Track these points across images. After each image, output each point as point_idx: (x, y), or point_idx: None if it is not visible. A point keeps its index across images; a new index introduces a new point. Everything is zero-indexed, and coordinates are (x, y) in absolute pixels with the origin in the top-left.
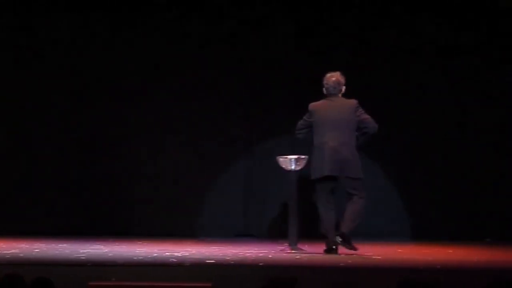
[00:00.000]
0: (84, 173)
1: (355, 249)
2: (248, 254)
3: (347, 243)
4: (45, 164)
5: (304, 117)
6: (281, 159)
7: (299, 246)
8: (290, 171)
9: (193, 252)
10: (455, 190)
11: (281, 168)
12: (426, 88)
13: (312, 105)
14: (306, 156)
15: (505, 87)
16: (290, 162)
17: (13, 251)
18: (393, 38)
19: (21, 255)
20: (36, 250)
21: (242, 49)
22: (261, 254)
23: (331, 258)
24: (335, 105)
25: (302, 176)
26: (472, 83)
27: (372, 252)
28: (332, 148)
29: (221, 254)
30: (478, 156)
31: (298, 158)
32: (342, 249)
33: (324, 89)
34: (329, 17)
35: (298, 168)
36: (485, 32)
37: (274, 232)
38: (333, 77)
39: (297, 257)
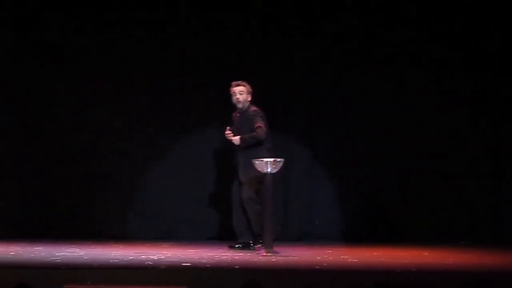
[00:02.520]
0: (57, 176)
1: None
2: (224, 257)
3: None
4: (12, 169)
5: (263, 122)
6: (256, 162)
7: (275, 248)
8: (266, 174)
9: (169, 255)
10: (430, 194)
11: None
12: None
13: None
14: (282, 159)
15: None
16: (265, 165)
17: None
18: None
19: None
20: (12, 253)
21: (202, 41)
22: (237, 257)
23: (306, 260)
24: None
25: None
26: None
27: (349, 255)
28: None
29: (197, 257)
30: (456, 158)
31: (274, 161)
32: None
33: (250, 96)
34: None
35: (274, 171)
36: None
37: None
38: None
39: (273, 259)
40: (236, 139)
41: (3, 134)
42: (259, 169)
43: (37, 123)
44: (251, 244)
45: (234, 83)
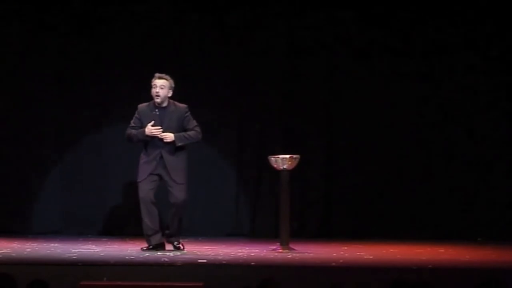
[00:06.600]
0: (74, 173)
1: None
2: (239, 254)
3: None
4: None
5: None
6: (272, 158)
7: (291, 245)
8: (282, 170)
9: (185, 251)
10: (449, 189)
11: (273, 167)
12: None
13: None
14: (298, 156)
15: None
16: (281, 161)
17: (4, 250)
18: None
19: (13, 254)
20: (28, 250)
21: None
22: (252, 254)
23: (322, 257)
24: None
25: (293, 175)
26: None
27: (364, 252)
28: None
29: (212, 254)
30: (472, 152)
31: (290, 157)
32: None
33: (171, 92)
34: None
35: (290, 167)
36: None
37: (266, 232)
38: None
39: (289, 256)
40: (170, 136)
41: (21, 132)
42: (275, 165)
43: (55, 120)
44: (163, 244)
45: (157, 75)
